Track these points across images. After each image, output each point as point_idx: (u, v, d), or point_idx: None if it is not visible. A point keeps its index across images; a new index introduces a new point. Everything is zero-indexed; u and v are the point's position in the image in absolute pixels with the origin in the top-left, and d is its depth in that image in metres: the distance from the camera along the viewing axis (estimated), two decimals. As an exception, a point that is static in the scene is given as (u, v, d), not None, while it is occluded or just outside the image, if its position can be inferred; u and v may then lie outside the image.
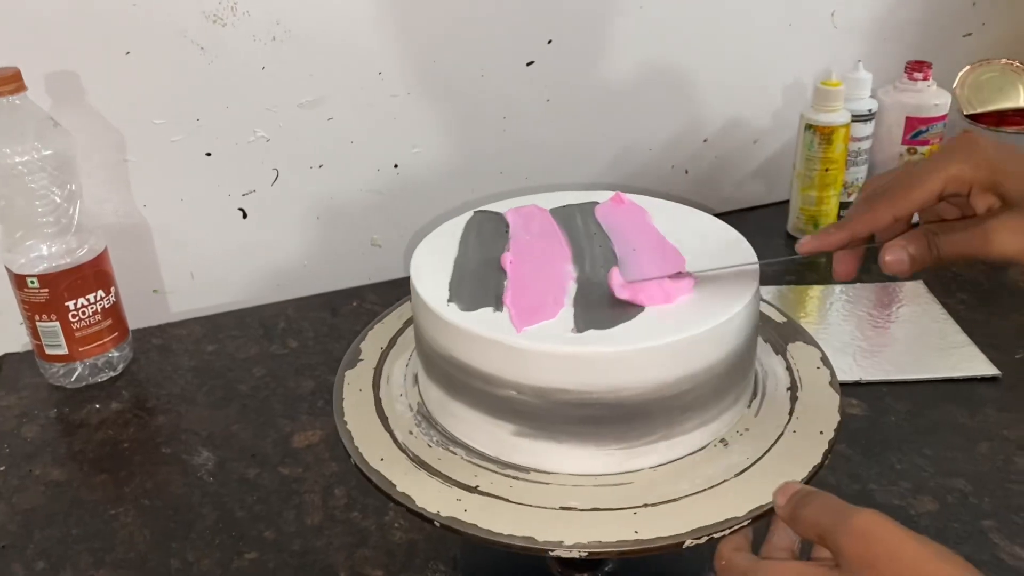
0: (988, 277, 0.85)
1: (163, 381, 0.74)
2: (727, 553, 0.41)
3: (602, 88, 0.90)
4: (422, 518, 0.43)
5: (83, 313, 0.70)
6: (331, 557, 0.56)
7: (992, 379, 0.70)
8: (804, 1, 0.94)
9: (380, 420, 0.50)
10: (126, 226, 0.79)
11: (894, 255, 0.43)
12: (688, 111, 0.95)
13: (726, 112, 0.97)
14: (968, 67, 0.96)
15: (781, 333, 0.56)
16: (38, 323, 0.69)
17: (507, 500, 0.44)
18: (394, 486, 0.45)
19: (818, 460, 0.45)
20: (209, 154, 0.79)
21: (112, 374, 0.74)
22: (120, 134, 0.76)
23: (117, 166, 0.77)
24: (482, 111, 0.87)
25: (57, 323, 0.69)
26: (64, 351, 0.70)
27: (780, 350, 0.54)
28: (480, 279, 0.49)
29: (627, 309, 0.45)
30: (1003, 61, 0.96)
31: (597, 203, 0.57)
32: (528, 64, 0.86)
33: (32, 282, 0.67)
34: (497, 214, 0.56)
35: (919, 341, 0.75)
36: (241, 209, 0.83)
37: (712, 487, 0.44)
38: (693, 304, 0.46)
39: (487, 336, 0.44)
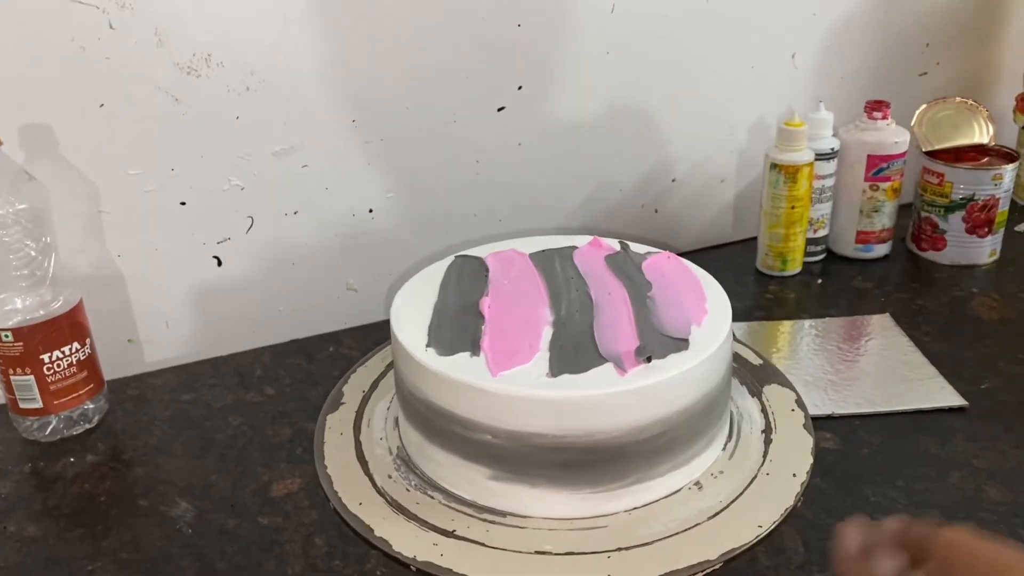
0: (951, 309, 0.87)
1: (139, 432, 0.73)
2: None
3: (572, 131, 0.92)
4: (398, 563, 0.43)
5: (58, 366, 0.69)
6: (313, 607, 0.56)
7: (960, 409, 0.71)
8: (765, 44, 0.97)
9: (360, 464, 0.50)
10: (101, 276, 0.78)
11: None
12: (656, 152, 0.97)
13: (693, 152, 0.99)
14: (925, 105, 0.99)
15: (757, 375, 0.57)
16: (12, 377, 0.69)
17: (483, 544, 0.44)
18: (372, 531, 0.45)
19: (790, 503, 0.46)
20: (184, 203, 0.79)
21: (88, 426, 0.73)
22: (94, 185, 0.76)
23: (91, 217, 0.77)
24: (455, 156, 0.88)
25: (32, 376, 0.69)
26: (39, 404, 0.70)
27: (756, 392, 0.55)
28: (458, 324, 0.50)
29: (600, 353, 0.46)
30: (958, 99, 0.99)
31: (576, 247, 0.58)
32: (499, 109, 0.88)
33: (6, 336, 0.67)
34: (477, 258, 0.57)
35: (888, 373, 0.76)
36: (216, 257, 0.83)
37: (685, 530, 0.45)
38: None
39: (463, 381, 0.44)
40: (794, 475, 0.48)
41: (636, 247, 0.58)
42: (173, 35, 0.73)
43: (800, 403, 0.54)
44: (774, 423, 0.52)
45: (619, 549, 0.44)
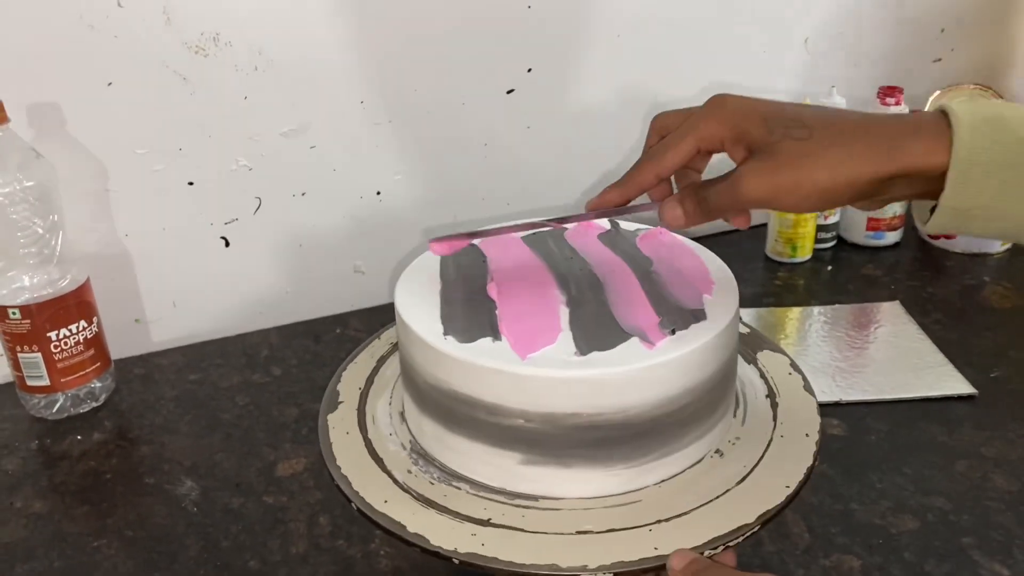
0: (962, 297, 0.87)
1: (146, 411, 0.74)
2: None
3: (581, 114, 0.91)
4: (439, 556, 0.42)
5: (65, 344, 0.70)
6: (317, 586, 0.56)
7: (968, 397, 0.71)
8: (778, 28, 0.96)
9: (375, 462, 0.49)
10: (108, 255, 0.79)
11: (671, 211, 0.47)
12: (666, 136, 0.97)
13: (704, 137, 0.98)
14: (938, 92, 0.98)
15: (748, 343, 0.57)
16: (19, 354, 0.69)
17: (522, 530, 0.44)
18: (404, 527, 0.44)
19: (810, 461, 0.47)
20: (191, 183, 0.79)
21: (94, 405, 0.73)
22: (102, 164, 0.76)
23: (99, 196, 0.77)
24: (463, 138, 0.88)
25: (39, 354, 0.69)
26: (46, 382, 0.70)
27: (751, 359, 0.56)
28: (471, 310, 0.49)
29: (623, 328, 0.46)
30: (971, 86, 0.98)
31: (566, 228, 0.58)
32: (508, 92, 0.87)
33: (14, 313, 0.67)
34: (471, 246, 0.57)
35: (897, 361, 0.76)
36: (224, 238, 0.83)
37: (718, 497, 0.45)
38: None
39: (492, 367, 0.44)
40: (807, 435, 0.49)
41: (626, 224, 0.58)
42: (181, 14, 0.73)
43: (795, 366, 0.54)
44: (776, 387, 0.53)
45: (658, 521, 0.44)
